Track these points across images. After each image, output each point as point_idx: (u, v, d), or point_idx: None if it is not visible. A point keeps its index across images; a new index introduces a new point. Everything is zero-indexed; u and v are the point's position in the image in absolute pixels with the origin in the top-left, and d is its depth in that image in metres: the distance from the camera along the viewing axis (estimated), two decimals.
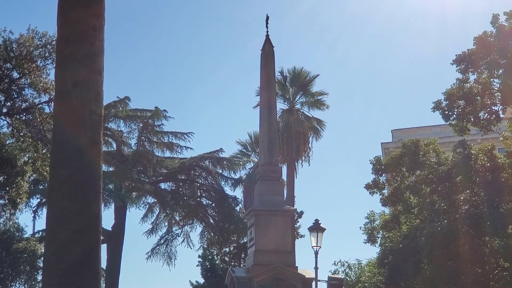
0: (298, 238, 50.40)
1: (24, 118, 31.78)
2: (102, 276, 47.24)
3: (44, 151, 31.49)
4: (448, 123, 33.12)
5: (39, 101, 31.41)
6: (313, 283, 30.01)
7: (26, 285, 46.75)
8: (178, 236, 56.78)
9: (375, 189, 35.78)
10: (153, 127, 57.06)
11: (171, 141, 57.18)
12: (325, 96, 54.72)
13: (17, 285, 46.60)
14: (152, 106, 58.00)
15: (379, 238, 37.05)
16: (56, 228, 12.51)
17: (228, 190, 56.15)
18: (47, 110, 31.18)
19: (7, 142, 32.99)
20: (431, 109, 32.30)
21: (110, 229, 53.36)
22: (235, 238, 54.72)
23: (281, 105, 52.95)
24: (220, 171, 56.49)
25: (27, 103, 31.55)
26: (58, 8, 13.42)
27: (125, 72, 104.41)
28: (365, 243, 37.18)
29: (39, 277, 44.05)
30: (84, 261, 12.34)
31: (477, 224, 29.41)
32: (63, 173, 12.65)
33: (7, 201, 32.86)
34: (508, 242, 27.93)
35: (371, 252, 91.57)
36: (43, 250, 16.96)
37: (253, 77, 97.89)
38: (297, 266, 29.83)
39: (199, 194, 57.06)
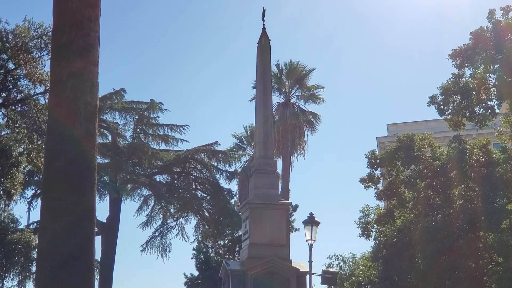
0: (292, 232, 50.38)
1: (19, 109, 31.73)
2: (96, 268, 47.24)
3: (39, 142, 31.46)
4: (443, 117, 33.16)
5: (35, 92, 31.38)
6: (307, 277, 30.05)
7: (20, 276, 46.67)
8: (173, 229, 56.83)
9: (370, 183, 35.79)
10: (148, 119, 57.00)
11: (167, 133, 57.12)
12: (321, 90, 54.84)
13: (11, 276, 46.55)
14: (147, 98, 58.03)
15: (374, 232, 37.05)
16: (51, 219, 12.49)
17: (223, 183, 56.23)
18: (42, 101, 31.16)
19: (2, 133, 32.92)
20: (427, 103, 32.36)
21: (105, 221, 53.33)
22: (229, 231, 54.70)
23: (276, 99, 53.06)
24: (215, 164, 56.51)
25: (22, 94, 31.50)
26: None
27: (121, 64, 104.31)
28: (360, 237, 37.22)
29: (33, 268, 44.00)
30: (78, 252, 12.32)
31: (471, 219, 29.47)
32: (57, 165, 12.63)
33: (1, 192, 32.79)
34: (502, 237, 27.99)
35: (365, 246, 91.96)
36: (37, 242, 16.94)
37: (249, 70, 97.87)
38: (291, 260, 29.84)
39: (194, 186, 57.04)
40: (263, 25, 33.06)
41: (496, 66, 30.70)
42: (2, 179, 31.95)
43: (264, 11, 33.14)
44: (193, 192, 56.68)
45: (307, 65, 54.47)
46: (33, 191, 50.35)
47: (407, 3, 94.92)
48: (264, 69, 33.12)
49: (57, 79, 13.01)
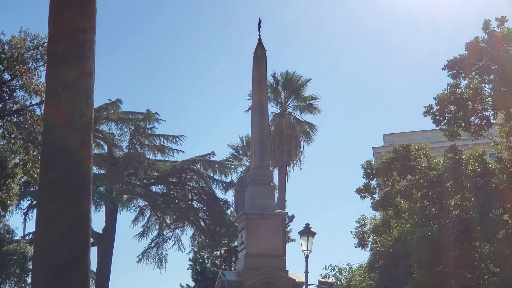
0: (288, 242, 50.46)
1: (15, 120, 31.70)
2: (92, 279, 47.09)
3: (34, 153, 31.40)
4: (439, 128, 33.18)
5: (30, 103, 31.36)
6: (304, 287, 30.01)
7: (15, 287, 46.54)
8: (169, 239, 56.75)
9: (366, 194, 35.78)
10: (144, 130, 57.01)
11: (163, 144, 57.16)
12: (317, 100, 54.96)
13: (7, 287, 46.40)
14: (144, 109, 58.13)
15: (370, 243, 37.07)
16: (46, 229, 12.48)
17: (219, 193, 56.28)
18: (38, 112, 31.13)
19: None
20: (422, 114, 32.39)
21: (101, 232, 53.28)
22: (226, 242, 54.73)
23: (273, 109, 53.13)
24: (212, 175, 56.56)
25: (18, 105, 31.48)
26: (49, 10, 13.39)
27: (117, 74, 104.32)
28: (356, 247, 37.23)
29: (29, 279, 43.87)
30: (73, 263, 12.30)
31: (467, 229, 29.49)
32: (53, 175, 12.62)
33: None
34: (498, 248, 28.00)
35: (362, 257, 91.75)
36: (33, 252, 16.92)
37: (245, 80, 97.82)
38: (287, 270, 29.84)
39: (190, 197, 57.03)
40: (259, 35, 33.20)
41: (492, 76, 30.77)
42: None
43: (260, 22, 33.29)
44: (189, 202, 56.67)
45: (303, 75, 54.68)
46: (29, 202, 50.32)
47: (403, 14, 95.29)
48: (260, 80, 33.21)
49: (53, 90, 13.01)
